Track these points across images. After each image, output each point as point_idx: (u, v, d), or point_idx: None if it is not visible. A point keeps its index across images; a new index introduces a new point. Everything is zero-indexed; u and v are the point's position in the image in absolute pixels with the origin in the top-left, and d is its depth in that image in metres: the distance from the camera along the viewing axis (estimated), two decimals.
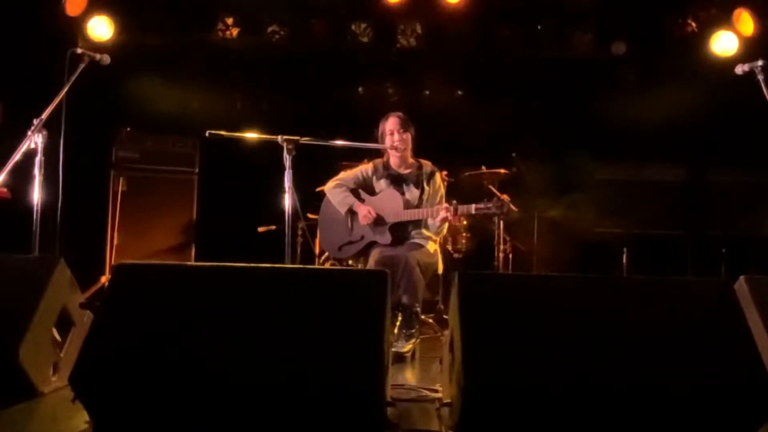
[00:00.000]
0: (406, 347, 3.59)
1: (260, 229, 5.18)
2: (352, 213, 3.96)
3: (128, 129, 5.49)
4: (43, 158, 3.25)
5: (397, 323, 3.67)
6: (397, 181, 3.98)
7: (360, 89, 6.20)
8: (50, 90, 3.34)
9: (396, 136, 3.92)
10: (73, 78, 3.39)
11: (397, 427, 2.18)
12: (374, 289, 2.20)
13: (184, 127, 5.61)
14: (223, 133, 3.49)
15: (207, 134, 3.48)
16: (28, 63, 4.79)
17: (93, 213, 5.32)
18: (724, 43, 5.37)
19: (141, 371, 2.04)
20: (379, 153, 4.17)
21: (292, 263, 3.93)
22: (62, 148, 3.46)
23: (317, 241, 4.62)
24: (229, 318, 2.14)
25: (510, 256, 5.23)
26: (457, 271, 2.23)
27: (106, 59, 3.52)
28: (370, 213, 3.86)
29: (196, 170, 5.64)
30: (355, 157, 4.76)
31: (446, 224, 3.87)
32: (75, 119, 3.54)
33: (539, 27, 5.73)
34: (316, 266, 4.59)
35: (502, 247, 5.09)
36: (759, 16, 5.24)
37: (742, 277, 2.63)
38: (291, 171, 3.28)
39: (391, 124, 3.95)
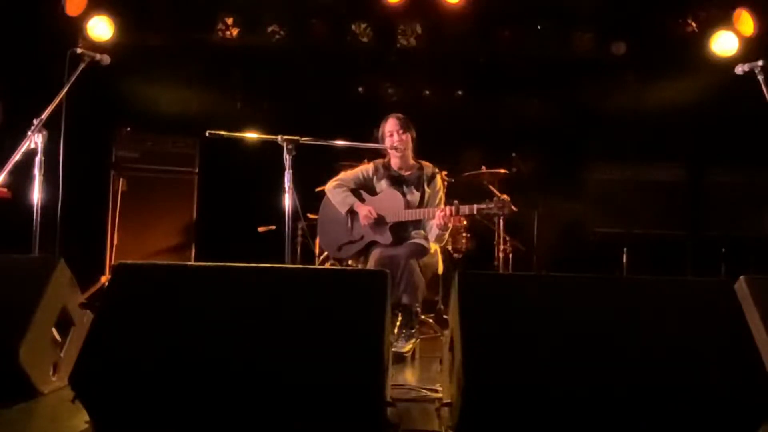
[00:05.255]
0: (406, 347, 3.59)
1: (260, 229, 5.18)
2: (352, 213, 3.95)
3: (128, 129, 5.49)
4: (43, 158, 3.25)
5: (397, 323, 3.67)
6: (398, 183, 3.97)
7: (360, 89, 6.20)
8: (50, 90, 3.34)
9: (395, 137, 3.91)
10: (73, 78, 3.39)
11: (397, 427, 2.18)
12: (374, 289, 2.20)
13: (184, 127, 5.61)
14: (223, 133, 3.49)
15: (207, 134, 3.48)
16: (28, 63, 4.78)
17: (93, 213, 5.32)
18: (724, 43, 5.37)
19: (141, 371, 2.04)
20: (379, 153, 4.16)
21: (292, 263, 3.93)
22: (62, 148, 3.46)
23: (317, 241, 4.62)
24: (228, 318, 2.14)
25: (510, 256, 5.23)
26: (457, 271, 2.23)
27: (106, 59, 3.52)
28: (371, 213, 3.85)
29: (196, 170, 5.64)
30: (355, 157, 4.76)
31: (446, 233, 3.85)
32: (75, 119, 3.54)
33: (539, 27, 5.73)
34: (316, 266, 4.59)
35: (502, 247, 5.10)
36: (759, 16, 5.24)
37: (742, 277, 2.63)
38: (291, 171, 3.28)
39: (390, 126, 3.95)
